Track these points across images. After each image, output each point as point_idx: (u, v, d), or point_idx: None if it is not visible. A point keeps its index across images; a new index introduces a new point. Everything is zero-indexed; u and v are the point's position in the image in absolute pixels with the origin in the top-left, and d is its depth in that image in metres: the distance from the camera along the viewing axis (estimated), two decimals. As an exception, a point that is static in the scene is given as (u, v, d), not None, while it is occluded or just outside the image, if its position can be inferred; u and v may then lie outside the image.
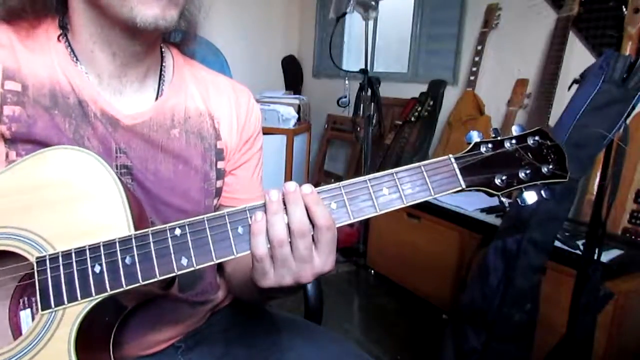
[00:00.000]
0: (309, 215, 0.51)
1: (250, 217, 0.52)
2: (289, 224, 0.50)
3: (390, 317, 2.21)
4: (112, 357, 0.60)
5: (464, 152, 0.56)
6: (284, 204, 0.51)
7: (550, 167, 0.57)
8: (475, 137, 0.57)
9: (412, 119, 2.85)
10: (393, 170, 0.54)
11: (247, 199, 0.78)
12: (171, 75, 0.73)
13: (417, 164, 0.55)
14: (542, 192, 0.57)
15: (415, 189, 0.54)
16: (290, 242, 0.51)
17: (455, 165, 0.55)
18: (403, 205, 0.54)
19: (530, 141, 0.58)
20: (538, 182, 0.57)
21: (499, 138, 0.58)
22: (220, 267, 0.83)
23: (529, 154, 0.57)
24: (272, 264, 0.51)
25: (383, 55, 3.50)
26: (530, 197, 0.57)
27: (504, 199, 0.57)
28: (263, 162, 0.84)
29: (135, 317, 0.67)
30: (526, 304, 1.32)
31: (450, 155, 0.56)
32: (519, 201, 0.57)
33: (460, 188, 0.55)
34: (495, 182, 0.56)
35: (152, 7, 0.58)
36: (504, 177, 0.56)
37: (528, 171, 0.56)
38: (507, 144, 0.57)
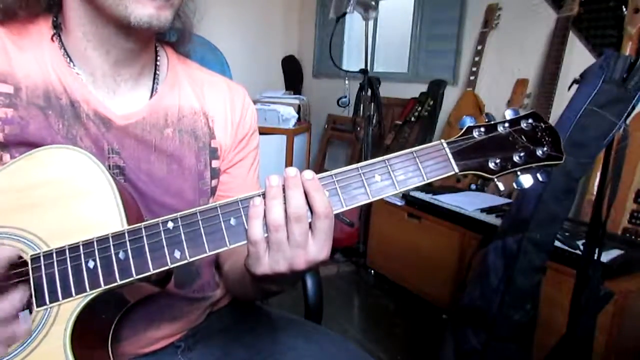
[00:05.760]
0: (308, 201, 0.50)
1: (243, 209, 0.52)
2: (286, 209, 0.50)
3: (390, 317, 2.20)
4: (110, 354, 0.59)
5: (456, 137, 0.56)
6: (284, 190, 0.50)
7: (545, 149, 0.56)
8: (467, 122, 0.56)
9: (412, 119, 2.85)
10: (385, 157, 0.54)
11: None
12: (165, 74, 0.72)
13: (408, 150, 0.54)
14: (538, 175, 0.56)
15: (407, 175, 0.53)
16: (286, 227, 0.50)
17: (447, 150, 0.54)
18: (396, 192, 0.53)
19: (523, 124, 0.57)
20: (533, 165, 0.56)
21: (492, 122, 0.57)
22: (218, 266, 0.83)
23: (522, 137, 0.56)
24: (267, 249, 0.51)
25: (383, 55, 3.49)
26: (526, 180, 0.56)
27: (498, 183, 0.55)
28: (259, 161, 0.83)
29: (133, 313, 0.67)
30: (526, 304, 1.31)
31: (442, 140, 0.55)
32: (515, 185, 0.56)
33: (453, 172, 0.54)
34: (489, 166, 0.55)
35: (147, 7, 0.58)
36: (497, 161, 0.55)
37: (522, 154, 0.55)
38: (500, 128, 0.56)
